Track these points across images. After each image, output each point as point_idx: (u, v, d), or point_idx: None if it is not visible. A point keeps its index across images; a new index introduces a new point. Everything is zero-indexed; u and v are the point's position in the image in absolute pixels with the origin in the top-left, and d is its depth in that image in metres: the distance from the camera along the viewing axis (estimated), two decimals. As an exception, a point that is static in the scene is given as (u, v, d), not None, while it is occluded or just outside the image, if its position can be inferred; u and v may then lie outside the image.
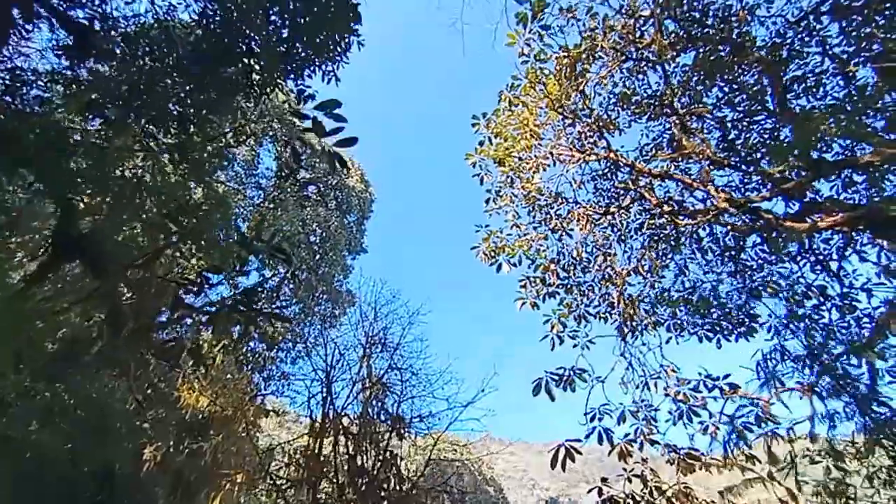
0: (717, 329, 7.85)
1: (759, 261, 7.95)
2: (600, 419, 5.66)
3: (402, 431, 9.66)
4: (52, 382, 11.35)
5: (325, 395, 11.31)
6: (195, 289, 11.57)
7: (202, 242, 7.05)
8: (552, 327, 7.15)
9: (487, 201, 7.83)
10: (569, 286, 8.33)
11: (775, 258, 7.74)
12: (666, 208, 6.77)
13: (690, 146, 6.96)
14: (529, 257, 7.62)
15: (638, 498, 5.54)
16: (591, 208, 8.01)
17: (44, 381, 11.18)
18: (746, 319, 7.75)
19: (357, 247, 23.57)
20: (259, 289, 18.67)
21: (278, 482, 9.52)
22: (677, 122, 7.35)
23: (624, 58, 6.45)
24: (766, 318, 7.49)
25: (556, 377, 5.83)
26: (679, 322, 8.15)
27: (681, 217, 6.55)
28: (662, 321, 8.18)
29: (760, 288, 7.88)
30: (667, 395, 6.35)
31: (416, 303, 11.97)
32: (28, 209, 7.68)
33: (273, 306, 18.53)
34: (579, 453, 5.24)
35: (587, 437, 5.52)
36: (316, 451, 9.93)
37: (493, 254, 7.51)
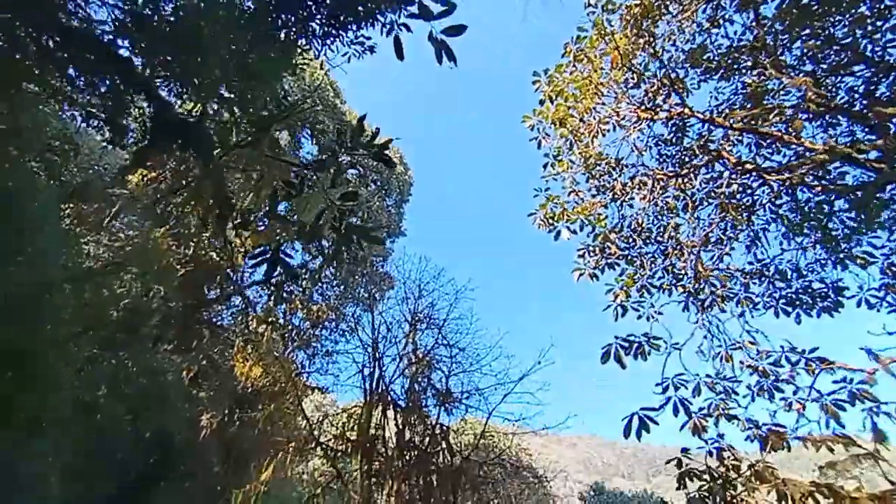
0: (798, 303, 7.26)
1: (847, 229, 7.27)
2: (676, 389, 5.28)
3: (451, 406, 9.57)
4: (116, 351, 11.92)
5: (372, 369, 11.38)
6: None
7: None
8: (615, 296, 6.78)
9: (545, 166, 7.48)
10: (630, 257, 7.91)
11: (865, 225, 7.04)
12: (748, 166, 6.21)
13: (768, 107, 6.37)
14: (591, 223, 7.24)
15: (716, 475, 5.18)
16: (657, 173, 7.51)
17: (109, 349, 11.76)
18: (831, 293, 7.11)
19: (396, 230, 23.62)
20: (301, 269, 19.05)
21: (329, 452, 9.65)
22: (758, 75, 6.75)
23: (702, 3, 5.91)
24: (857, 291, 6.87)
25: (627, 344, 5.49)
26: (751, 296, 7.60)
27: (769, 173, 5.98)
28: (732, 295, 7.66)
29: (847, 260, 7.22)
30: (747, 367, 5.88)
31: (460, 282, 11.77)
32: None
33: (315, 287, 18.87)
34: (655, 423, 4.92)
35: (661, 407, 5.17)
36: (366, 423, 10.00)
37: (550, 220, 7.17)
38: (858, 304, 6.88)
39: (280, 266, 3.41)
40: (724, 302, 7.50)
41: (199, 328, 13.94)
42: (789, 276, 7.45)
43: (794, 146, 5.78)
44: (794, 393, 5.81)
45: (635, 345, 5.55)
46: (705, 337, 6.21)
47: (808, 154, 5.49)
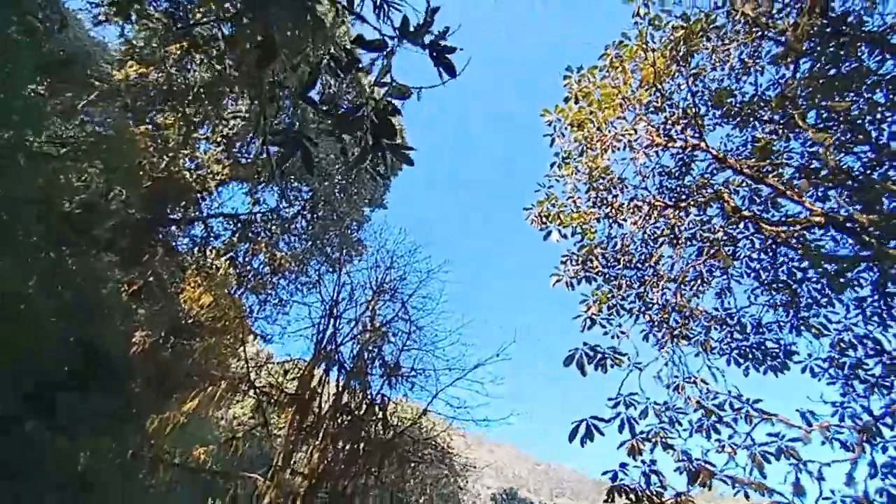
0: (750, 356, 7.54)
1: (811, 298, 7.61)
2: (627, 407, 5.35)
3: (396, 381, 9.45)
4: (59, 245, 11.10)
5: (325, 326, 11.12)
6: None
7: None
8: (588, 308, 6.81)
9: (552, 165, 7.43)
10: (608, 276, 8.01)
11: (829, 299, 7.38)
12: (745, 213, 6.35)
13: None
14: (582, 232, 7.26)
15: (641, 495, 5.30)
16: (655, 201, 7.60)
17: (51, 242, 10.92)
18: (782, 354, 7.43)
19: (378, 201, 23.18)
20: (275, 214, 18.41)
21: (262, 398, 9.35)
22: (771, 132, 6.92)
23: (751, 38, 5.95)
24: (805, 358, 7.20)
25: (592, 353, 5.52)
26: (710, 339, 7.84)
27: (764, 224, 6.13)
28: (692, 335, 7.88)
29: (803, 327, 7.56)
30: (695, 402, 6.04)
31: (435, 262, 11.60)
32: None
33: (284, 238, 18.24)
34: (601, 433, 4.97)
35: (610, 420, 5.24)
36: (307, 378, 9.75)
37: (545, 219, 7.13)
38: (803, 371, 7.22)
39: (301, 150, 3.12)
40: (682, 340, 7.71)
41: (155, 245, 13.23)
42: (748, 330, 7.73)
43: (784, 207, 5.95)
44: (730, 437, 6.02)
45: (599, 356, 5.58)
46: (666, 364, 6.31)
47: (802, 216, 5.65)
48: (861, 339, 6.97)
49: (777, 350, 7.51)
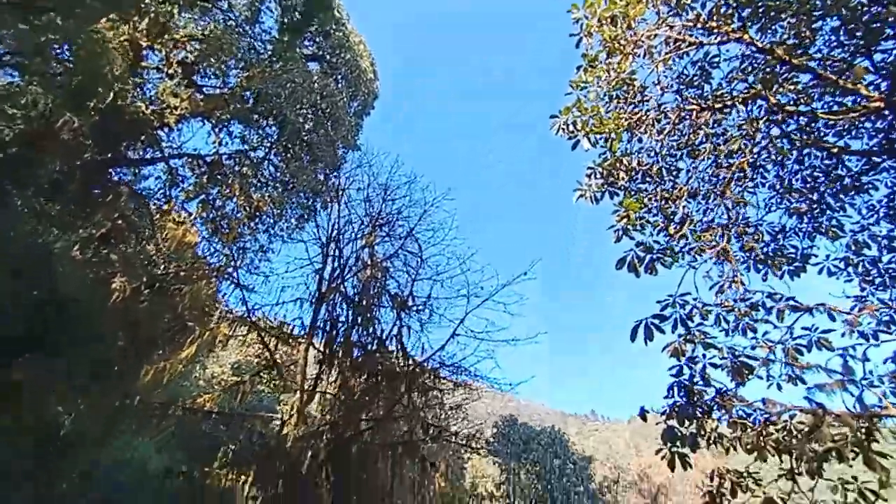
0: (769, 262, 7.73)
1: (824, 205, 7.78)
2: (681, 306, 5.29)
3: (409, 313, 9.14)
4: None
5: (323, 265, 10.53)
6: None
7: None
8: (621, 218, 6.62)
9: (579, 69, 6.92)
10: (630, 190, 7.83)
11: (843, 204, 7.58)
12: (789, 108, 6.18)
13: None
14: (608, 141, 6.93)
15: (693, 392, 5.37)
16: (683, 107, 7.33)
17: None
18: (799, 258, 7.65)
19: (352, 142, 21.88)
20: (243, 155, 17.00)
21: (266, 337, 8.86)
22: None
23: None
24: (822, 260, 7.46)
25: (642, 254, 5.35)
26: (728, 250, 7.94)
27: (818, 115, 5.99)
28: (710, 246, 7.96)
29: (818, 232, 7.77)
30: (726, 307, 6.10)
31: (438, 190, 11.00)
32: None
33: (256, 181, 16.94)
34: (662, 331, 4.88)
35: (666, 319, 5.17)
36: (313, 316, 9.28)
37: (573, 127, 6.72)
38: (820, 272, 7.51)
39: None
40: (703, 252, 7.77)
41: (115, 186, 11.87)
42: (766, 238, 7.89)
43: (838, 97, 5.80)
44: (765, 335, 6.19)
45: (649, 257, 5.42)
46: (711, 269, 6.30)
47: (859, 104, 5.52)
48: (875, 237, 7.27)
49: (794, 255, 7.75)
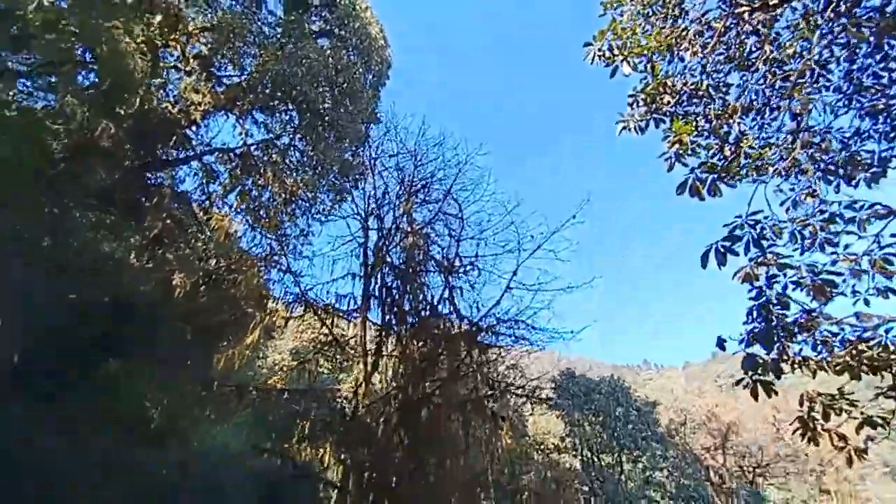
0: (839, 172, 7.08)
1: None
2: (752, 227, 4.93)
3: (456, 275, 9.12)
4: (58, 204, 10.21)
5: (364, 238, 10.62)
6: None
7: None
8: (671, 144, 6.18)
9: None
10: (677, 115, 7.30)
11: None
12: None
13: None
14: (650, 63, 6.41)
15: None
16: (726, 15, 6.66)
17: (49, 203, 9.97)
18: (876, 163, 6.96)
19: (371, 116, 21.60)
20: (270, 143, 17.16)
21: (323, 315, 9.13)
22: None
23: None
24: (902, 163, 6.74)
25: (704, 175, 4.99)
26: (791, 164, 7.33)
27: None
28: (772, 163, 7.36)
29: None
30: (800, 223, 5.63)
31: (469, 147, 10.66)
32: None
33: (286, 165, 17.11)
34: (735, 254, 4.59)
35: (737, 241, 4.84)
36: (363, 290, 9.45)
37: (611, 52, 6.25)
38: (902, 176, 6.81)
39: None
40: (764, 170, 7.21)
41: (156, 190, 12.32)
42: (833, 146, 7.20)
43: None
44: (846, 248, 5.72)
45: (711, 178, 5.05)
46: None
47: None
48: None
49: (870, 160, 7.05)
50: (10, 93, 8.30)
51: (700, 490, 12.65)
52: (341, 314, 9.51)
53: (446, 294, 8.79)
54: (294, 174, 16.06)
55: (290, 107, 17.27)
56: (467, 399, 7.34)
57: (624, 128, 7.05)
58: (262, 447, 9.04)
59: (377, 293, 9.57)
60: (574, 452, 15.08)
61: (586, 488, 12.81)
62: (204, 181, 14.37)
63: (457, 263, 8.94)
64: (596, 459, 14.00)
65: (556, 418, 16.13)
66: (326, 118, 17.58)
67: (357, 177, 18.16)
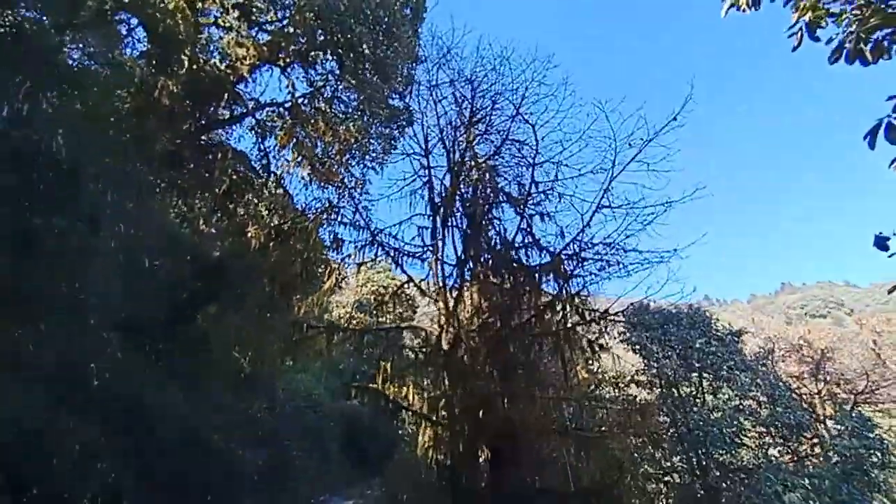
0: None
1: None
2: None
3: (529, 207, 8.64)
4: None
5: (428, 178, 10.28)
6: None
7: None
8: (802, 11, 5.13)
9: None
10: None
11: None
12: None
13: None
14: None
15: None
16: None
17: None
18: None
19: (411, 55, 20.53)
20: (317, 92, 16.82)
21: (396, 258, 9.10)
22: None
23: None
24: None
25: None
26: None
27: None
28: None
29: None
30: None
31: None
32: None
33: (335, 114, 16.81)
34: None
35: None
36: (431, 233, 9.26)
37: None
38: None
39: None
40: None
41: (217, 148, 12.48)
42: None
43: None
44: None
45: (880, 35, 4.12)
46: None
47: None
48: None
49: None
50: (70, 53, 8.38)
51: (796, 416, 12.05)
52: (413, 255, 9.38)
53: (523, 225, 8.37)
54: (345, 122, 15.77)
55: (332, 55, 16.69)
56: (555, 329, 7.09)
57: (731, 5, 5.99)
58: (350, 384, 9.37)
59: (447, 232, 9.32)
60: (650, 386, 14.72)
61: (667, 420, 12.54)
62: (258, 138, 14.41)
63: (533, 190, 8.41)
64: (675, 392, 13.59)
65: (631, 353, 15.75)
66: (370, 59, 16.88)
67: (409, 115, 17.62)
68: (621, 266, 6.94)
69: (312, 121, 15.32)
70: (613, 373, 14.16)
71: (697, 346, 14.48)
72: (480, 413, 6.67)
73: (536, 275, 7.80)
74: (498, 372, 6.90)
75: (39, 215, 7.41)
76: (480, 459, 6.96)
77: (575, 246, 7.43)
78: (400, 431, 21.67)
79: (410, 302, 10.27)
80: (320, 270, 15.22)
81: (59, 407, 6.15)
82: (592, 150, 7.49)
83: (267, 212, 11.89)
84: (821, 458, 12.04)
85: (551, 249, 7.96)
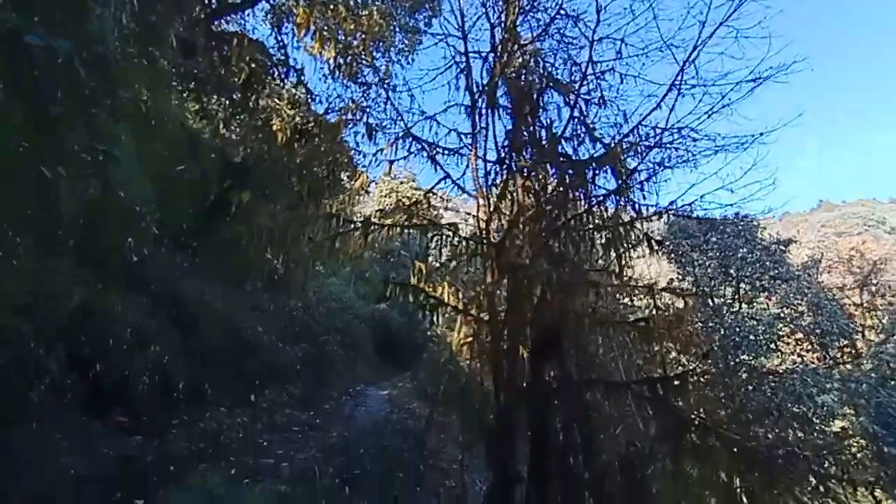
0: None
1: None
2: None
3: (582, 95, 7.73)
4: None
5: (465, 65, 9.29)
6: None
7: None
8: None
9: None
10: None
11: None
12: None
13: None
14: None
15: None
16: None
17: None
18: None
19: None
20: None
21: (433, 153, 8.54)
22: None
23: None
24: None
25: None
26: None
27: None
28: None
29: None
30: None
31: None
32: None
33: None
34: None
35: None
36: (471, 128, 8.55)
37: None
38: None
39: None
40: None
41: (231, 36, 11.50)
42: None
43: None
44: None
45: None
46: None
47: None
48: None
49: None
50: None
51: (839, 324, 11.86)
52: (450, 150, 8.80)
53: (576, 113, 7.56)
54: (367, 5, 14.27)
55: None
56: (609, 224, 6.66)
57: None
58: (387, 282, 9.38)
59: (489, 122, 8.61)
60: (685, 295, 14.49)
61: (700, 325, 12.45)
62: (274, 28, 13.22)
63: (589, 70, 7.46)
64: (712, 301, 13.37)
65: (667, 263, 15.42)
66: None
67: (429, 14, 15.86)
68: (690, 155, 6.24)
69: (332, 6, 13.89)
70: (648, 280, 13.99)
71: (740, 255, 13.99)
72: (526, 307, 6.54)
73: (590, 168, 7.19)
74: (547, 264, 6.62)
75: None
76: (523, 354, 6.96)
77: (635, 135, 6.70)
78: (429, 333, 22.70)
79: (445, 205, 9.88)
80: (347, 175, 14.81)
81: (107, 289, 6.27)
82: (666, 19, 6.36)
83: (290, 108, 11.21)
84: (859, 365, 12.02)
85: (606, 141, 7.25)
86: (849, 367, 12.12)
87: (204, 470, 6.24)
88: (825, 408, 9.93)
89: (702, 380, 6.15)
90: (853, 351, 13.05)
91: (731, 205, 5.85)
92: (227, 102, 11.15)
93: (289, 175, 10.94)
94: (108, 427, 5.86)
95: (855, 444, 10.64)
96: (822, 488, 4.24)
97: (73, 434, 5.45)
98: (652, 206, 6.65)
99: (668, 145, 6.42)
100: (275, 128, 9.90)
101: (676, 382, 4.98)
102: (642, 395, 5.18)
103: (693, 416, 4.73)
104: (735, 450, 4.35)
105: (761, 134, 5.38)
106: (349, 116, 12.71)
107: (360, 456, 8.03)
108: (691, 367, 5.42)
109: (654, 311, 7.37)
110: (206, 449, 6.81)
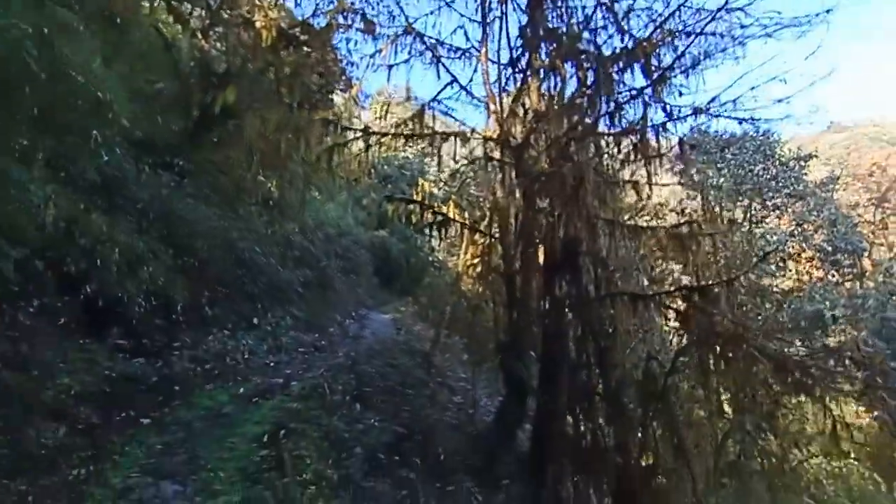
0: None
1: None
2: None
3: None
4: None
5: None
6: None
7: None
8: None
9: None
10: None
11: None
12: None
13: None
14: None
15: None
16: None
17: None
18: None
19: None
20: None
21: (439, 54, 7.65)
22: None
23: None
24: None
25: None
26: None
27: None
28: None
29: None
30: None
31: None
32: None
33: None
34: None
35: None
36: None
37: None
38: None
39: None
40: None
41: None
42: None
43: None
44: None
45: None
46: None
47: None
48: None
49: None
50: None
51: (853, 242, 11.62)
52: (457, 51, 7.89)
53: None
54: None
55: None
56: (637, 128, 6.06)
57: None
58: (391, 198, 8.92)
59: (500, 14, 7.64)
60: (692, 215, 14.10)
61: (708, 247, 12.12)
62: None
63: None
64: (721, 221, 12.97)
65: (675, 185, 14.82)
66: None
67: None
68: (735, 41, 5.47)
69: None
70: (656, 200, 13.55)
71: (756, 170, 13.42)
72: (543, 219, 6.13)
73: (616, 65, 6.42)
74: (559, 176, 6.10)
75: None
76: (537, 271, 6.66)
77: (675, 20, 5.85)
78: (430, 258, 22.57)
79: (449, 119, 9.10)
80: (340, 88, 13.70)
81: (88, 209, 5.79)
82: None
83: (273, 8, 9.98)
84: (870, 282, 11.99)
85: (634, 33, 6.40)
86: (859, 283, 12.10)
87: (211, 390, 6.16)
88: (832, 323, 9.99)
89: (739, 289, 5.93)
90: (866, 269, 12.97)
91: (782, 100, 5.21)
92: (205, 11, 9.92)
93: (278, 86, 9.98)
94: (107, 349, 5.65)
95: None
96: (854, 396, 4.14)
97: (71, 356, 5.25)
98: (687, 106, 6.00)
99: (711, 34, 5.64)
100: (258, 25, 8.80)
101: (716, 290, 4.71)
102: (668, 307, 4.94)
103: (726, 328, 4.53)
104: (771, 359, 4.19)
105: (827, 11, 4.61)
106: (340, 20, 11.44)
107: (370, 374, 8.04)
108: (727, 278, 5.10)
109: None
110: (212, 370, 6.72)
